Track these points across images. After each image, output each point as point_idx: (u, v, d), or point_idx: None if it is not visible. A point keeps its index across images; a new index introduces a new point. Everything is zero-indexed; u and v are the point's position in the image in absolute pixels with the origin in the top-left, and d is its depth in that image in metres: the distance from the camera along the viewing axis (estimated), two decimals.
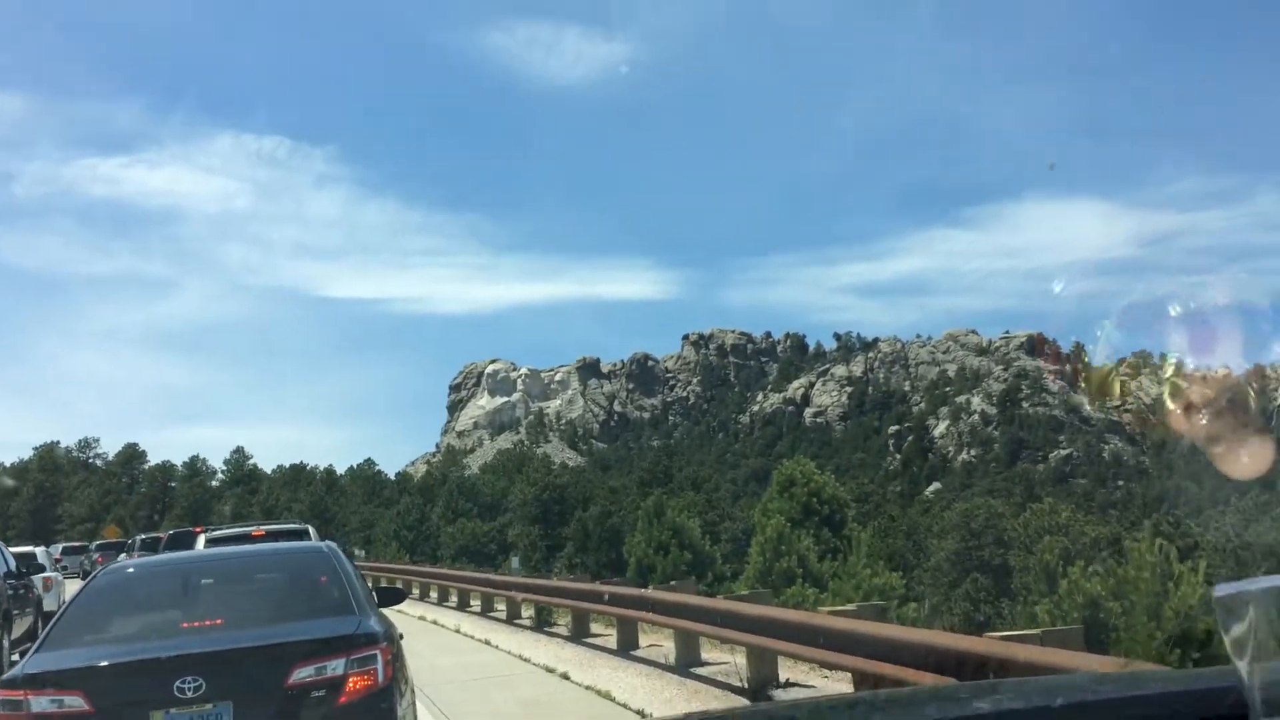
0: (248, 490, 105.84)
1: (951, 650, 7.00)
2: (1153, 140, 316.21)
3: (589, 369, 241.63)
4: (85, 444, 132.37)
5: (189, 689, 5.62)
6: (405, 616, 23.26)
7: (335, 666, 5.91)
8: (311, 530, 19.60)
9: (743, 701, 10.95)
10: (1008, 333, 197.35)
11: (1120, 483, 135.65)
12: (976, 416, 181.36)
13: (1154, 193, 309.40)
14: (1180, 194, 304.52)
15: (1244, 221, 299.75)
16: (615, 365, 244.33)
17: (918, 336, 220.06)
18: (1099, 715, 1.62)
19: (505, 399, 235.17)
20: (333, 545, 7.91)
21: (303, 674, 5.83)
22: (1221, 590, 1.20)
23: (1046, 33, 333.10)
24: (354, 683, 5.92)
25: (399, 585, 30.60)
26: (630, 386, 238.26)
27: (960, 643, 7.15)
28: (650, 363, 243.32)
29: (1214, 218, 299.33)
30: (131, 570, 8.14)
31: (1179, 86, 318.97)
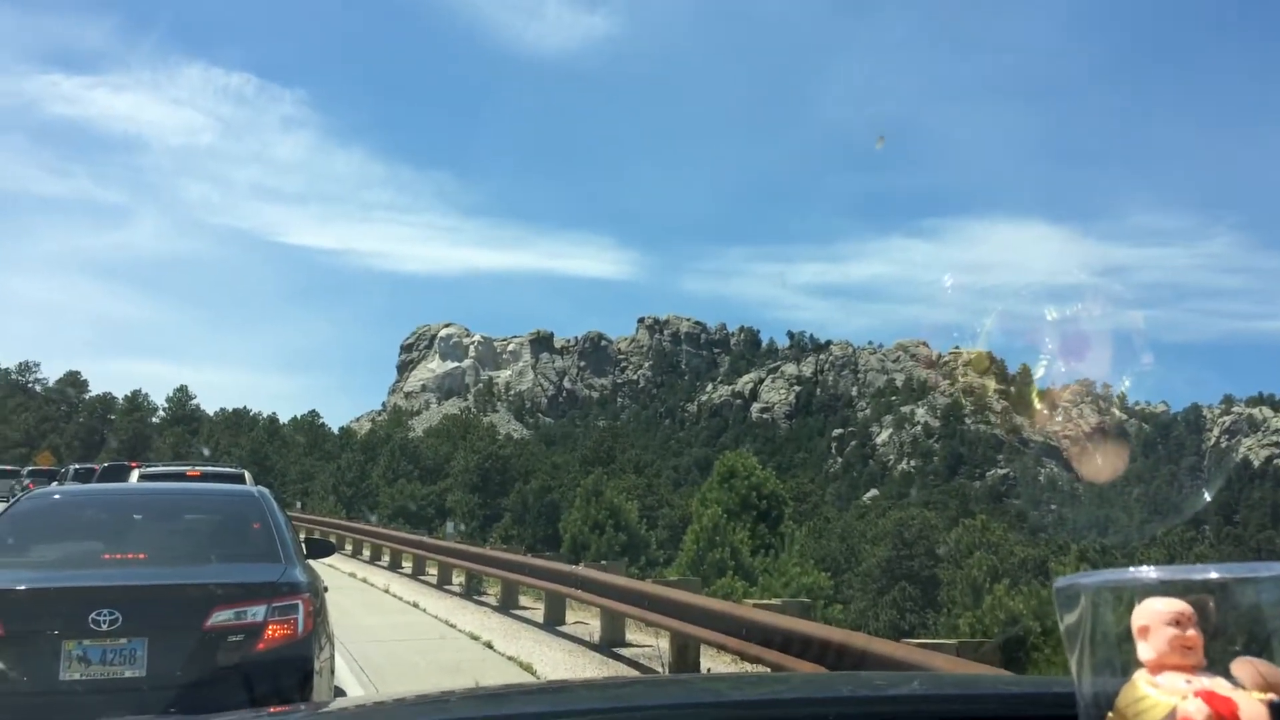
0: (188, 430, 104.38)
1: (866, 651, 7.11)
2: (1115, 170, 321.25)
3: (542, 342, 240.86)
4: (25, 367, 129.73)
5: (104, 621, 5.55)
6: (336, 572, 23.14)
7: (255, 613, 5.86)
8: (248, 475, 19.39)
9: None
10: (957, 348, 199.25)
11: (1053, 507, 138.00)
12: (919, 428, 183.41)
13: (1112, 224, 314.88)
14: (1138, 228, 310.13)
15: (1198, 261, 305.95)
16: (569, 341, 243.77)
17: (869, 343, 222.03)
18: (937, 706, 1.68)
19: (456, 364, 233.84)
20: (265, 491, 7.83)
21: (221, 617, 5.77)
22: (1061, 582, 1.22)
23: (1019, 53, 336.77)
24: (273, 630, 5.88)
25: (331, 538, 30.44)
26: (582, 364, 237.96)
27: (874, 645, 7.27)
28: (604, 342, 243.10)
29: (1169, 254, 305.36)
30: (58, 497, 8.02)
31: (1146, 119, 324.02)
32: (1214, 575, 1.19)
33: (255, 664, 5.78)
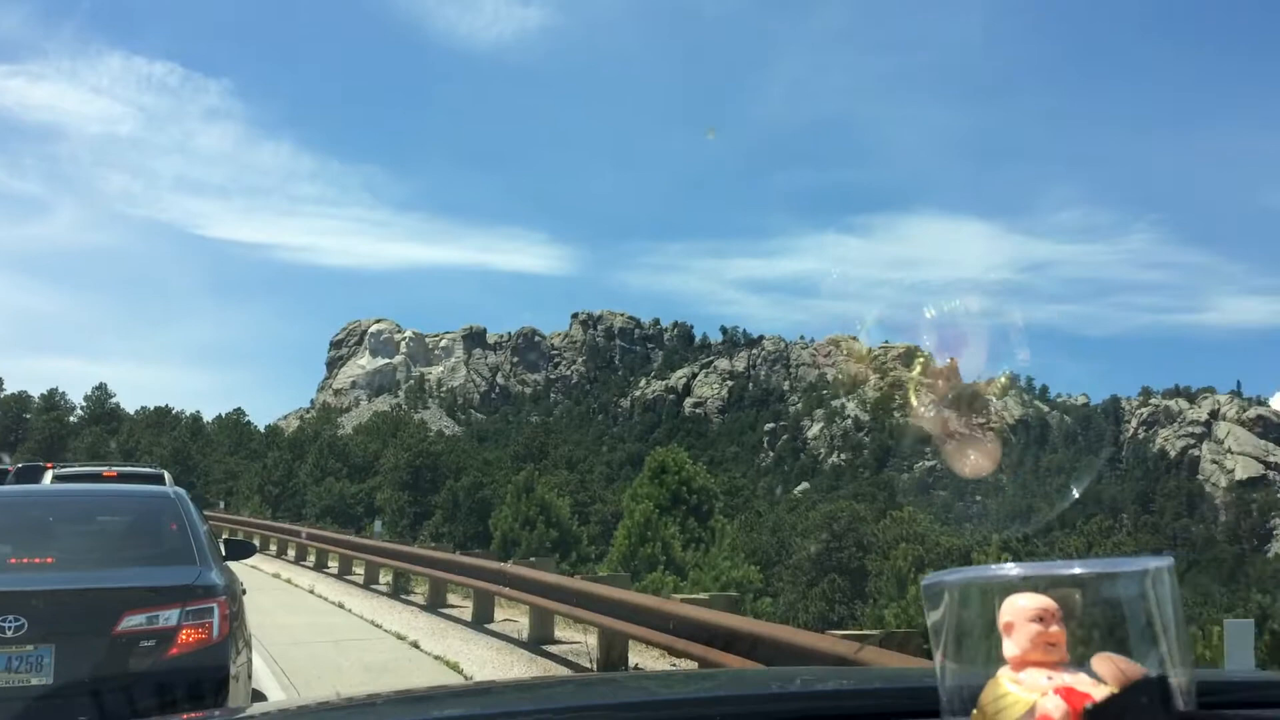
0: (107, 429, 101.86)
1: (789, 644, 7.18)
2: (1041, 167, 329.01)
3: (475, 338, 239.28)
4: None
5: (9, 628, 5.39)
6: (259, 573, 22.80)
7: (168, 617, 5.73)
8: (167, 475, 18.96)
9: None
10: (887, 343, 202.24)
11: (978, 498, 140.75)
12: (850, 421, 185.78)
13: (1037, 220, 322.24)
14: (1061, 224, 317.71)
15: (1118, 257, 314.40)
16: (502, 337, 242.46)
17: (801, 338, 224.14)
18: (799, 704, 1.69)
19: (387, 360, 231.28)
20: (180, 492, 7.67)
21: (132, 622, 5.63)
22: (927, 580, 1.21)
23: (949, 51, 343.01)
24: (186, 635, 5.75)
25: (255, 540, 29.97)
26: (515, 360, 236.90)
27: (798, 637, 7.34)
28: (537, 338, 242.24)
29: (1091, 250, 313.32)
30: None
31: (1070, 117, 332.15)
32: (1077, 570, 1.18)
33: (168, 670, 5.66)
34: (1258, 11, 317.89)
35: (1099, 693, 1.13)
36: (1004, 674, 1.18)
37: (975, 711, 1.18)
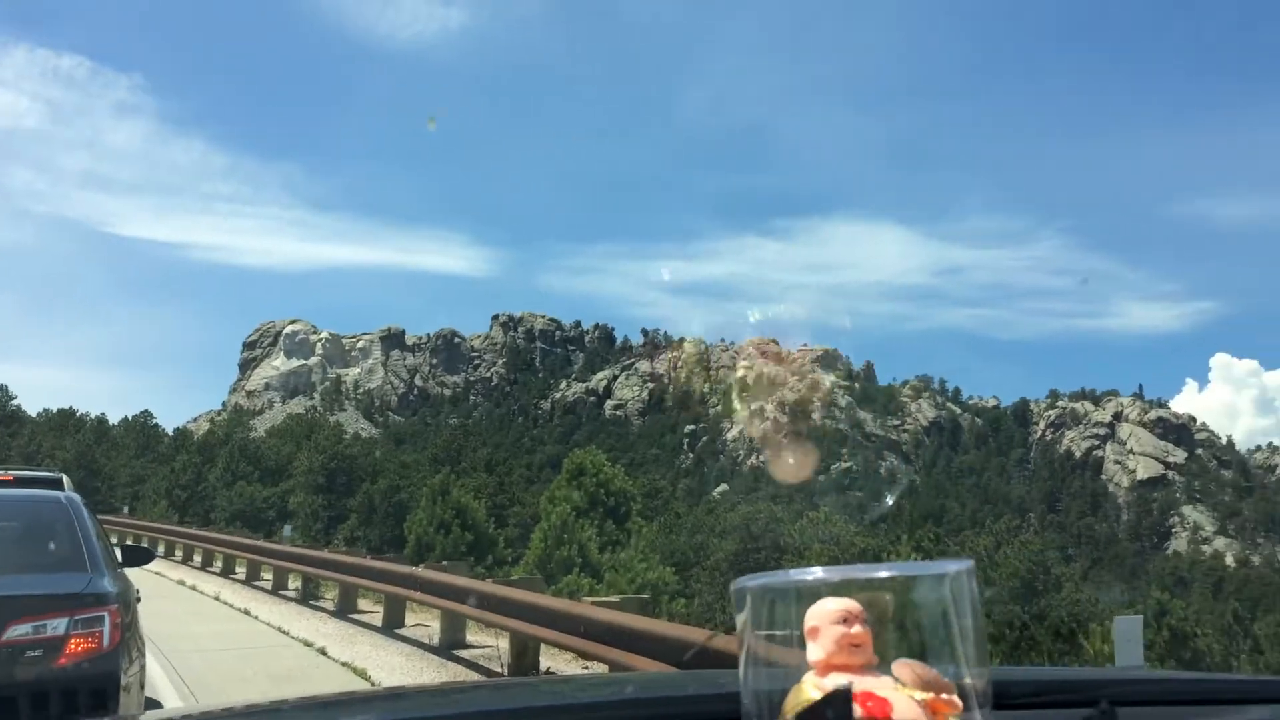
0: (7, 433, 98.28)
1: (705, 645, 7.25)
2: (954, 173, 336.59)
3: (393, 339, 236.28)
4: None
5: None
6: (163, 580, 22.28)
7: (56, 626, 5.59)
8: (66, 480, 18.34)
9: None
10: (806, 345, 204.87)
11: (890, 499, 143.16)
12: (769, 423, 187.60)
13: (951, 226, 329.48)
14: (975, 230, 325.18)
15: (1027, 263, 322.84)
16: (421, 339, 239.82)
17: (721, 340, 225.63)
18: (606, 713, 1.69)
19: (302, 362, 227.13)
20: (73, 497, 7.48)
21: (17, 631, 5.49)
22: (735, 584, 1.20)
23: (867, 58, 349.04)
24: (75, 644, 5.62)
25: (160, 545, 29.35)
26: (434, 362, 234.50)
27: (716, 640, 7.41)
28: (457, 339, 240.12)
29: (1002, 256, 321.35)
30: None
31: (982, 124, 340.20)
32: (881, 574, 1.17)
33: (55, 680, 5.52)
34: (1163, 23, 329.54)
35: (897, 698, 1.13)
36: (808, 679, 1.16)
37: (779, 717, 1.16)
